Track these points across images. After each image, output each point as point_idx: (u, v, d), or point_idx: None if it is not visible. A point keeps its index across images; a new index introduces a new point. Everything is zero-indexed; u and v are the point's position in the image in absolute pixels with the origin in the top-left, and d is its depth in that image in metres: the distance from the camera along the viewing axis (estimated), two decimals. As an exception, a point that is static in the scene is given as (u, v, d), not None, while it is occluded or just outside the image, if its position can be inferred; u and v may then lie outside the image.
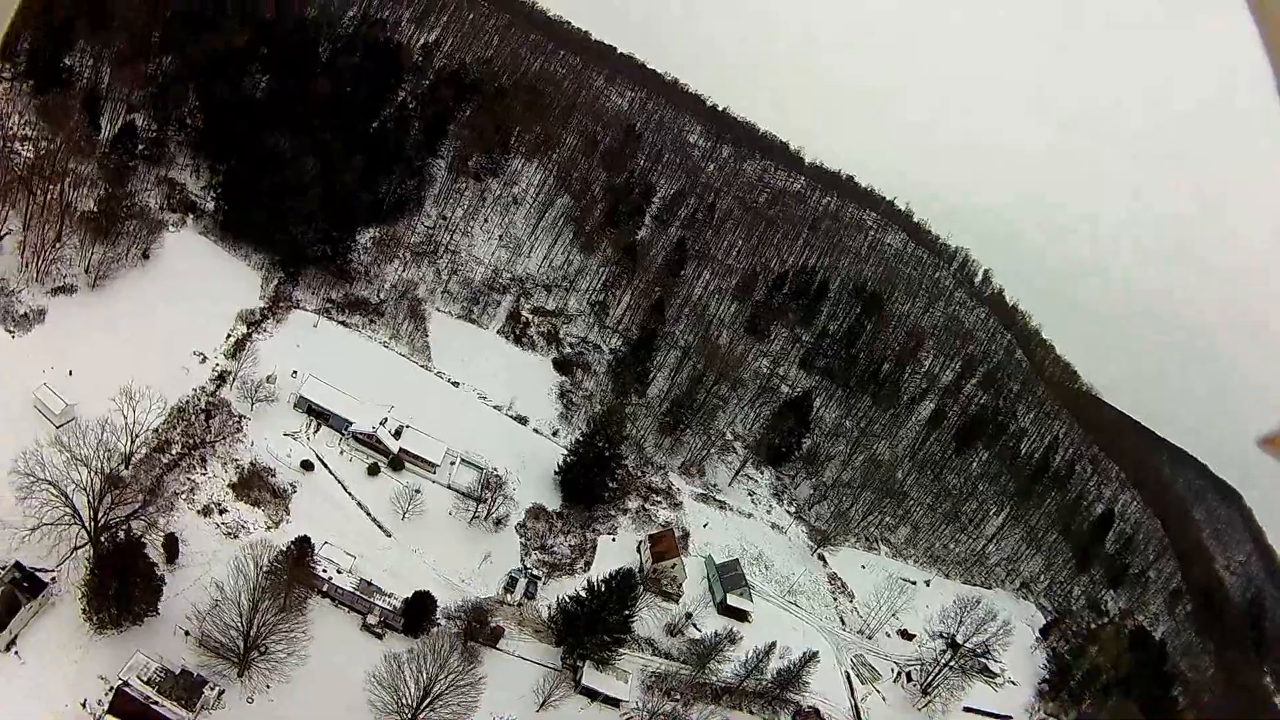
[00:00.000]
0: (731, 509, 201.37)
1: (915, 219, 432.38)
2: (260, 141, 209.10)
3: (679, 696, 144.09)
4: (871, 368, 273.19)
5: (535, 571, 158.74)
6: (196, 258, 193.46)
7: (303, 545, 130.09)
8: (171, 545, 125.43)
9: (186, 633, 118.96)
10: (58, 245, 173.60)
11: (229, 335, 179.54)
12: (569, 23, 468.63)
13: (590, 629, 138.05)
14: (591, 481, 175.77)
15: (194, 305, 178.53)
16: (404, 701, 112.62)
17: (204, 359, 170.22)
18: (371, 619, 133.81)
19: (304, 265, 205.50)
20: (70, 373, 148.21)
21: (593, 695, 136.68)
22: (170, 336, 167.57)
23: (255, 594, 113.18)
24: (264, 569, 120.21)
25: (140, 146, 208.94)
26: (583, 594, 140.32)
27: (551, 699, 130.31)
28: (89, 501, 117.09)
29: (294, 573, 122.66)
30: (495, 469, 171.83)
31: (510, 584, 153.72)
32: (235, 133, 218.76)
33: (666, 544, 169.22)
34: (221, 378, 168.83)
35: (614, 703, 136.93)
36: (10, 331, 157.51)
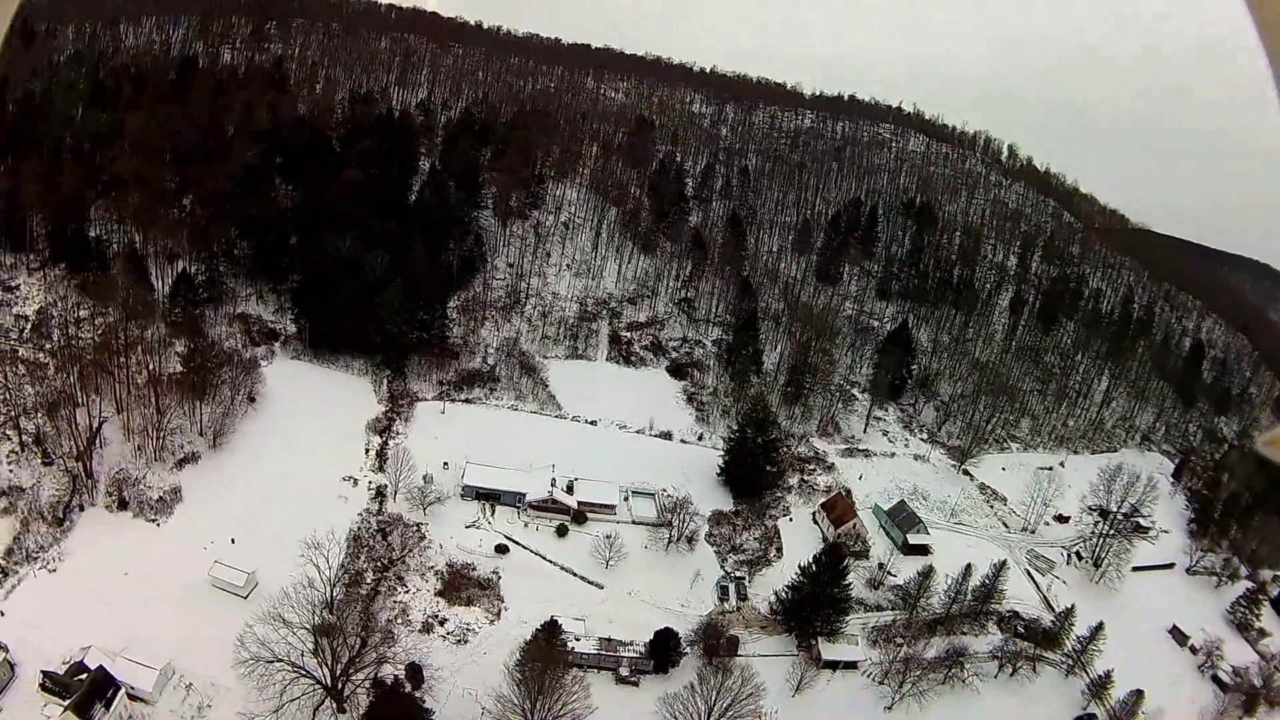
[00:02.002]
0: (874, 454, 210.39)
1: (926, 116, 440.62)
2: (317, 250, 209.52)
3: (901, 640, 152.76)
4: (943, 277, 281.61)
5: (738, 573, 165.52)
6: (300, 383, 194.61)
7: (551, 628, 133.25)
8: (416, 674, 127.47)
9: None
10: (161, 418, 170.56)
11: (367, 450, 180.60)
12: (537, 35, 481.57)
13: (815, 609, 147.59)
14: (754, 472, 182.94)
15: (320, 432, 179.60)
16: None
17: (354, 481, 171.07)
18: (623, 671, 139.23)
19: (406, 356, 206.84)
20: (233, 540, 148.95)
21: (833, 666, 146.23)
22: (312, 471, 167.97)
23: (532, 696, 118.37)
24: (518, 663, 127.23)
25: (200, 292, 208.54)
26: (799, 580, 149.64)
27: (804, 682, 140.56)
28: (322, 662, 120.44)
29: (548, 656, 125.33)
30: (664, 490, 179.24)
31: (723, 593, 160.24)
32: (286, 249, 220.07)
33: (841, 508, 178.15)
34: (380, 493, 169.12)
35: (852, 665, 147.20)
36: (153, 520, 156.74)
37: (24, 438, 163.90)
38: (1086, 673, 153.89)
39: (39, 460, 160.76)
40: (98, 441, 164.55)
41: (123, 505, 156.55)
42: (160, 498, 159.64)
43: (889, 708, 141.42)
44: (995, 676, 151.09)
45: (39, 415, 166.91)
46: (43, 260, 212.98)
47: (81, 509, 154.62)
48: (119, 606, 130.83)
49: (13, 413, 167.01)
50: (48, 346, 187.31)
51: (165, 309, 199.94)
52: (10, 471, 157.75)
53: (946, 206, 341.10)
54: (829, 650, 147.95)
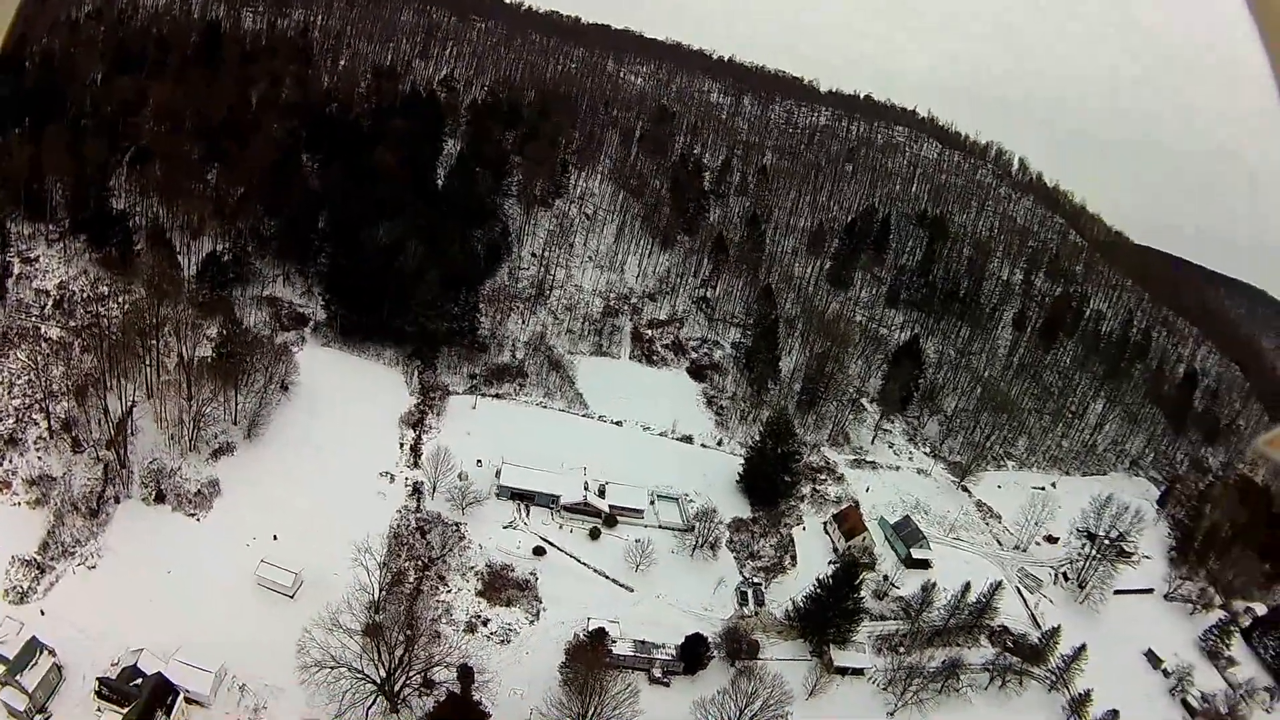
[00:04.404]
0: (880, 466, 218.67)
1: (940, 123, 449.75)
2: (350, 235, 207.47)
3: (904, 650, 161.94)
4: (951, 289, 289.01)
5: (755, 579, 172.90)
6: (332, 372, 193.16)
7: (599, 635, 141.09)
8: (467, 674, 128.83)
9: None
10: (195, 406, 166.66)
11: (401, 444, 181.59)
12: (557, 12, 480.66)
13: (829, 618, 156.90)
14: (772, 481, 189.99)
15: (355, 424, 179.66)
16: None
17: (391, 478, 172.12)
18: (655, 672, 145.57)
19: (437, 348, 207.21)
20: (275, 537, 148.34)
21: (843, 671, 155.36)
22: (349, 466, 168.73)
23: (583, 700, 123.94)
24: (563, 665, 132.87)
25: (229, 272, 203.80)
26: (816, 590, 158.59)
27: (818, 687, 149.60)
28: (375, 663, 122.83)
29: (592, 660, 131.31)
30: (687, 495, 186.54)
31: (742, 598, 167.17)
32: (315, 231, 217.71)
33: (852, 521, 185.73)
34: (416, 490, 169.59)
35: (859, 672, 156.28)
36: (192, 515, 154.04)
37: (52, 423, 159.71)
38: (1068, 689, 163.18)
39: (69, 447, 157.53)
40: (129, 428, 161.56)
41: (160, 498, 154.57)
42: (199, 490, 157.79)
43: (891, 714, 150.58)
44: (986, 688, 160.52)
45: (67, 399, 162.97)
46: (62, 231, 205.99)
47: (117, 500, 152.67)
48: (165, 606, 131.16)
49: (39, 395, 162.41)
50: (71, 324, 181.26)
51: (193, 289, 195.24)
52: (39, 459, 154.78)
53: (957, 217, 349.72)
54: (840, 657, 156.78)
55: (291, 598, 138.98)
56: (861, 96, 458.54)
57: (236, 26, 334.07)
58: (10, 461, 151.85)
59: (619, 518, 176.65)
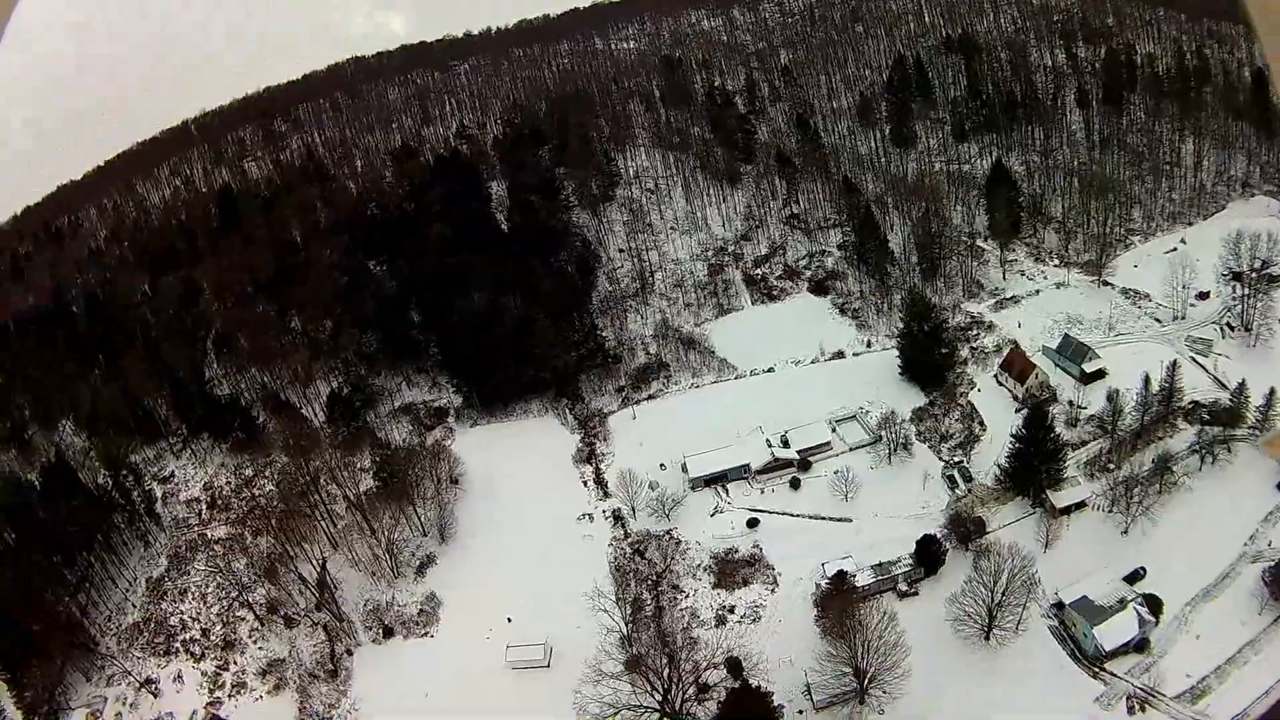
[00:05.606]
0: (1021, 297, 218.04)
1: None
2: (446, 315, 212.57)
3: (1112, 465, 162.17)
4: (1006, 99, 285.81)
5: (956, 459, 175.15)
6: (492, 447, 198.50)
7: (840, 577, 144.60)
8: (736, 666, 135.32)
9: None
10: (380, 538, 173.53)
11: (584, 482, 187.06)
12: (526, 20, 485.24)
13: (1036, 467, 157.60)
14: (930, 359, 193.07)
15: (534, 485, 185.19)
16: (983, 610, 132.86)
17: (590, 517, 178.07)
18: (901, 586, 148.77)
19: (575, 380, 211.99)
20: (509, 620, 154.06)
21: (1066, 511, 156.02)
22: (546, 523, 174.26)
23: (851, 644, 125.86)
24: (817, 619, 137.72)
25: (356, 403, 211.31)
26: (1014, 445, 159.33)
27: (1050, 536, 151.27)
28: (648, 692, 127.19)
29: (842, 602, 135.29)
30: (861, 408, 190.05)
31: (950, 482, 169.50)
32: (412, 326, 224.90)
33: (1020, 363, 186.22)
34: (617, 517, 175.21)
35: (1081, 505, 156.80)
36: (425, 634, 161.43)
37: (256, 611, 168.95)
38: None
39: (283, 625, 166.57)
40: (330, 583, 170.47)
41: (388, 633, 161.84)
42: (420, 610, 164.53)
43: (1124, 532, 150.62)
44: (1200, 470, 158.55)
45: (261, 584, 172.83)
46: (184, 439, 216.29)
47: (349, 653, 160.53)
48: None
49: (234, 593, 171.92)
50: (231, 518, 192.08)
51: (329, 433, 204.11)
52: (260, 649, 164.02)
53: (978, 26, 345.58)
54: (1059, 498, 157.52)
55: (547, 667, 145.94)
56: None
57: (244, 178, 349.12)
58: (236, 664, 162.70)
59: (809, 459, 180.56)
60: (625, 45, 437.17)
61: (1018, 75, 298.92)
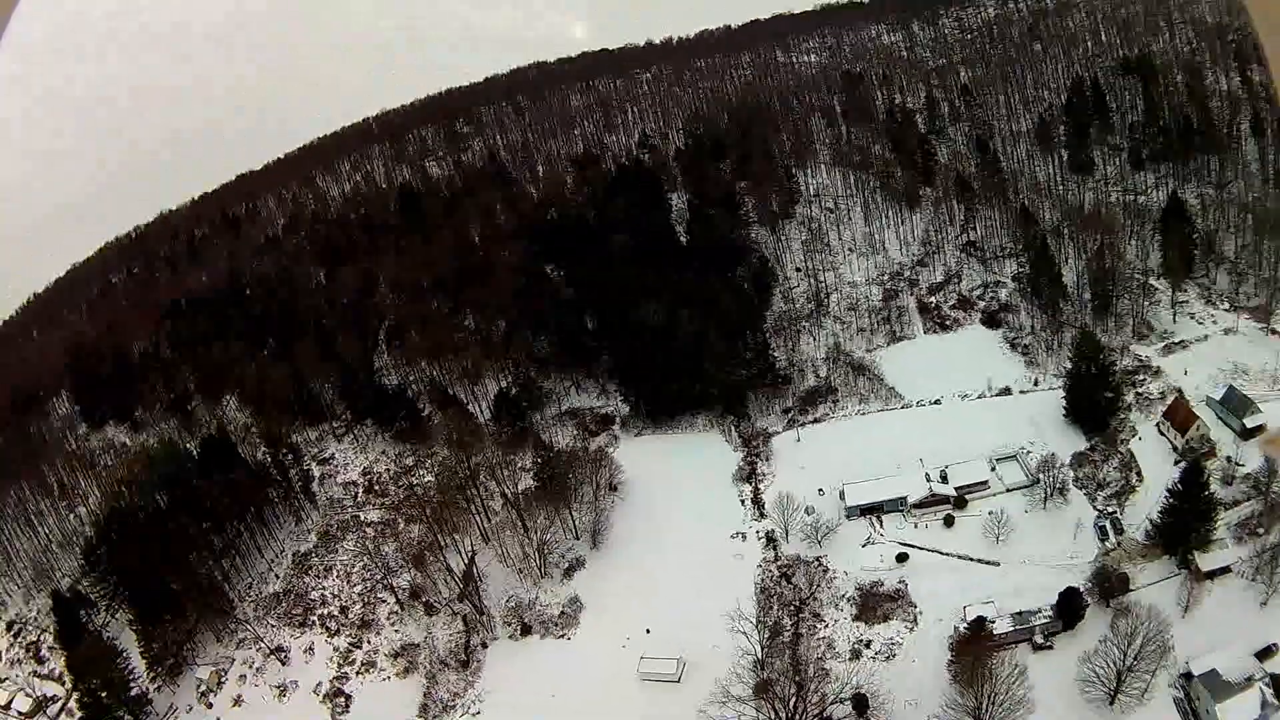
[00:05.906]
0: (1189, 342, 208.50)
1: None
2: (622, 325, 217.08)
3: (1261, 530, 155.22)
4: (1182, 125, 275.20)
5: (1109, 509, 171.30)
6: (654, 458, 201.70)
7: (978, 624, 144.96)
8: (861, 703, 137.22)
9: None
10: (533, 537, 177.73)
11: (742, 501, 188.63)
12: (707, 30, 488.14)
13: (1187, 526, 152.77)
14: (1095, 402, 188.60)
15: (692, 499, 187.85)
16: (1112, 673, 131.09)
17: (743, 536, 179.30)
18: (1037, 638, 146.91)
19: (743, 398, 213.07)
20: (648, 631, 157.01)
21: (1211, 575, 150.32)
22: (698, 540, 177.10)
23: (977, 694, 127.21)
24: (950, 663, 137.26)
25: (523, 403, 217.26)
26: (1168, 501, 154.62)
27: (1190, 600, 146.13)
28: (773, 717, 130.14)
29: (976, 650, 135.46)
30: (1023, 448, 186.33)
31: (1101, 533, 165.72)
32: (587, 333, 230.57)
33: (1183, 412, 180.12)
34: (770, 539, 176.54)
35: (1226, 570, 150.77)
36: (561, 636, 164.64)
37: (399, 595, 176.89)
38: None
39: (422, 612, 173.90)
40: (476, 576, 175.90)
41: (526, 630, 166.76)
42: (562, 612, 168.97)
43: (1264, 604, 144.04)
44: None
45: (407, 570, 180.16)
46: (348, 424, 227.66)
47: (484, 646, 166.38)
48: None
49: (379, 575, 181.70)
50: (387, 503, 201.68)
51: (493, 430, 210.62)
52: (396, 631, 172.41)
53: (1156, 45, 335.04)
54: (1206, 561, 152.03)
55: (678, 682, 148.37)
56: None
57: (425, 178, 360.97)
58: (369, 643, 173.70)
59: (966, 496, 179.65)
60: (807, 58, 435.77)
61: (1194, 99, 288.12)
